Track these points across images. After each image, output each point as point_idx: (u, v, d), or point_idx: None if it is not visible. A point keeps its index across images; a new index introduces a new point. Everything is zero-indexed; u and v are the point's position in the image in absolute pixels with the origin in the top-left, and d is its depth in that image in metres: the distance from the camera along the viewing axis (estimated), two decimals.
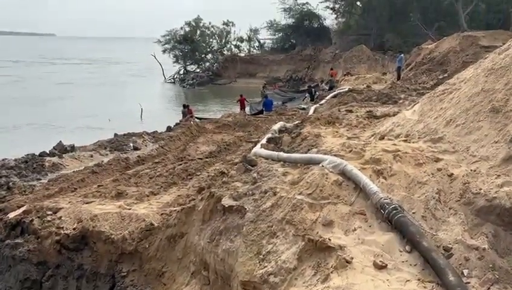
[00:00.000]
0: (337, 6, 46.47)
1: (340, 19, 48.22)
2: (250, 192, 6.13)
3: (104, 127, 21.52)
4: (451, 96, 7.00)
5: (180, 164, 10.90)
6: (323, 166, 6.06)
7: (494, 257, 4.20)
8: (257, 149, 8.16)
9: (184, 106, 21.04)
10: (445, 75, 19.05)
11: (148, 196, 8.72)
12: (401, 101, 12.90)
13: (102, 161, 11.59)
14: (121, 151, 12.66)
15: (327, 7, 46.20)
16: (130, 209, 7.96)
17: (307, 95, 28.34)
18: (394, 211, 4.71)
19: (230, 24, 48.48)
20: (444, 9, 42.26)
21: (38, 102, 32.05)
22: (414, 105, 8.04)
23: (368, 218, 5.01)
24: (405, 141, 6.77)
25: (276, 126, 10.57)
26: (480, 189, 4.87)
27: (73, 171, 10.70)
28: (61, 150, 12.63)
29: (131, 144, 13.13)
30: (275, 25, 47.83)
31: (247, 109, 24.01)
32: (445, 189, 5.16)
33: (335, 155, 6.48)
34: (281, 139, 8.86)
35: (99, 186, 9.45)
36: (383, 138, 7.25)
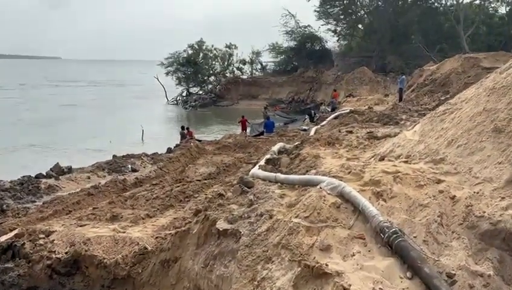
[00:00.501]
0: (338, 29, 46.87)
1: (341, 42, 48.61)
2: (246, 215, 5.94)
3: (105, 149, 21.41)
4: (452, 116, 6.84)
5: (178, 186, 10.72)
6: (321, 188, 5.89)
7: (500, 284, 3.99)
8: (255, 170, 7.99)
9: (182, 128, 20.99)
10: (447, 96, 18.97)
11: (143, 218, 8.52)
12: (402, 122, 12.75)
13: (100, 183, 11.42)
14: (118, 173, 12.49)
15: (329, 30, 46.63)
16: (124, 232, 7.75)
17: (306, 116, 28.35)
18: (394, 235, 4.53)
19: (233, 47, 48.88)
20: (445, 32, 42.58)
21: (41, 124, 32.10)
22: (415, 125, 7.89)
23: (367, 242, 4.82)
24: (405, 162, 6.60)
25: (276, 147, 10.43)
26: (484, 212, 4.69)
27: (69, 194, 10.52)
28: (58, 171, 12.48)
29: (130, 166, 12.97)
30: (277, 48, 48.17)
31: (248, 130, 23.90)
32: (448, 212, 4.97)
33: (334, 176, 6.31)
34: (280, 161, 8.70)
35: (94, 208, 9.25)
36: (383, 159, 7.08)
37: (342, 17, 46.28)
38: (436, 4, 45.99)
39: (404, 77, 25.39)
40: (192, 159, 14.67)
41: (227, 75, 49.08)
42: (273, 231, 5.34)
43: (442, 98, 19.24)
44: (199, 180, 11.24)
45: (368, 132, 10.24)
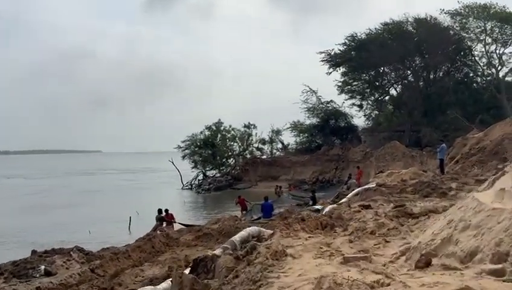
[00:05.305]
0: (364, 103, 43.30)
1: (368, 116, 44.68)
2: None
3: (79, 240, 17.39)
4: None
5: None
6: None
7: None
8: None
9: (159, 211, 16.55)
10: (506, 163, 14.52)
11: None
12: (452, 192, 8.26)
13: None
14: (21, 279, 8.36)
15: (353, 104, 43.05)
16: None
17: (310, 201, 23.01)
18: None
19: (252, 126, 45.73)
20: (485, 102, 38.41)
21: (32, 212, 29.18)
22: (494, 180, 3.68)
23: None
24: (493, 272, 2.26)
25: (239, 234, 6.18)
26: None
27: None
28: None
29: (43, 267, 8.84)
30: (298, 126, 44.66)
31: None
32: None
33: None
34: (215, 263, 4.42)
35: None
36: (429, 263, 2.75)
37: (367, 90, 42.93)
38: (471, 74, 42.40)
39: (444, 145, 20.58)
40: (153, 254, 10.39)
41: (247, 156, 45.45)
42: None
43: (500, 166, 14.82)
44: None
45: (396, 206, 5.93)
